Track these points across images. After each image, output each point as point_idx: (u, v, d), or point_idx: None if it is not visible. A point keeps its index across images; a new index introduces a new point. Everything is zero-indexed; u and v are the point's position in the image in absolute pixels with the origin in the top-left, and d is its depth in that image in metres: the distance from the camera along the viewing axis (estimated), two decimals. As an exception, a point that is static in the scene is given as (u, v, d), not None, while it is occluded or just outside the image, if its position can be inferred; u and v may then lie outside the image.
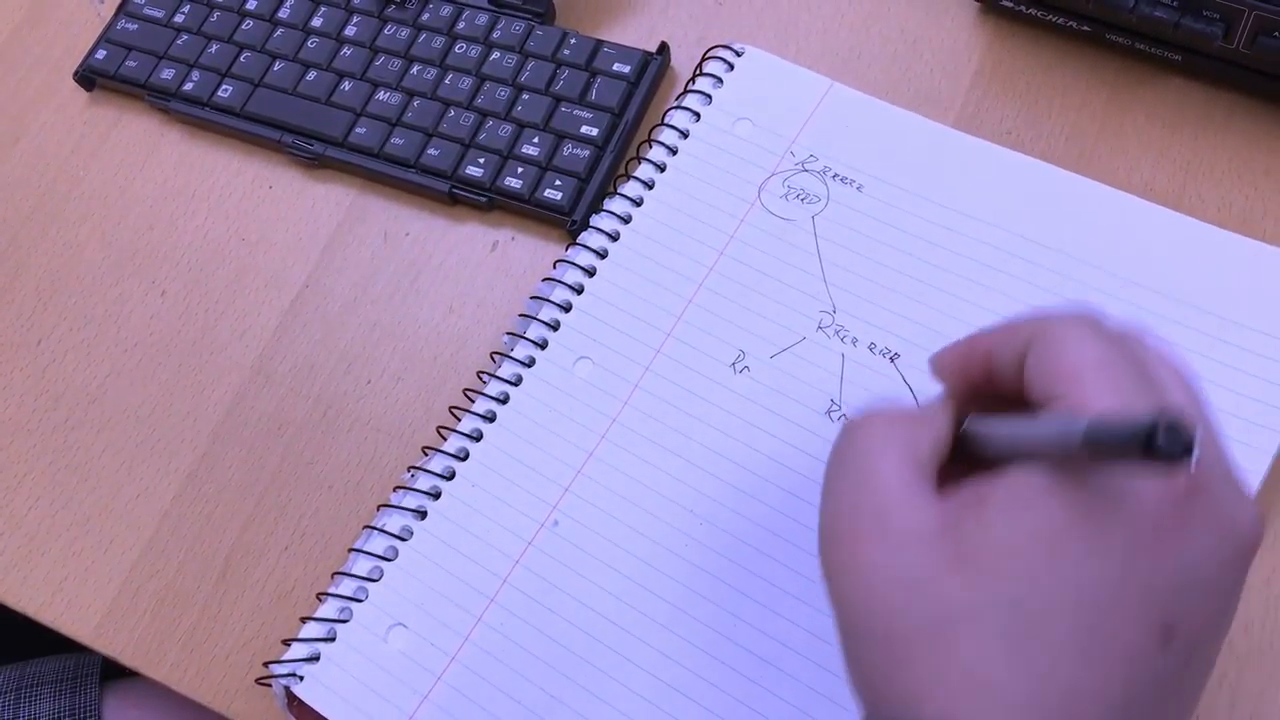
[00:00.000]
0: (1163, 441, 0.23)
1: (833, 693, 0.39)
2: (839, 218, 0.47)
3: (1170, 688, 0.27)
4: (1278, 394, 0.40)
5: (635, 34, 0.54)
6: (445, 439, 0.46)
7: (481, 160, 0.51)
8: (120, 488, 0.49)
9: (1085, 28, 0.47)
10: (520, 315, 0.48)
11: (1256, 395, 0.40)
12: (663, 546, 0.42)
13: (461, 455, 0.45)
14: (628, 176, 0.49)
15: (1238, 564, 0.27)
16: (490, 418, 0.45)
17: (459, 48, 0.53)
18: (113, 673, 0.57)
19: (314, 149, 0.53)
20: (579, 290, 0.47)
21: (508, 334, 0.48)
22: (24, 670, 0.56)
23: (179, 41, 0.57)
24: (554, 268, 0.48)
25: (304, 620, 0.44)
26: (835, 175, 0.48)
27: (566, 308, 0.47)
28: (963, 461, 0.30)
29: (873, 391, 0.43)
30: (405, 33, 0.54)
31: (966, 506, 0.27)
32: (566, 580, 0.42)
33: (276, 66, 0.55)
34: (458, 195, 0.51)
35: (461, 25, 0.54)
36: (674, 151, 0.49)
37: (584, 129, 0.50)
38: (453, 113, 0.52)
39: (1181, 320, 0.42)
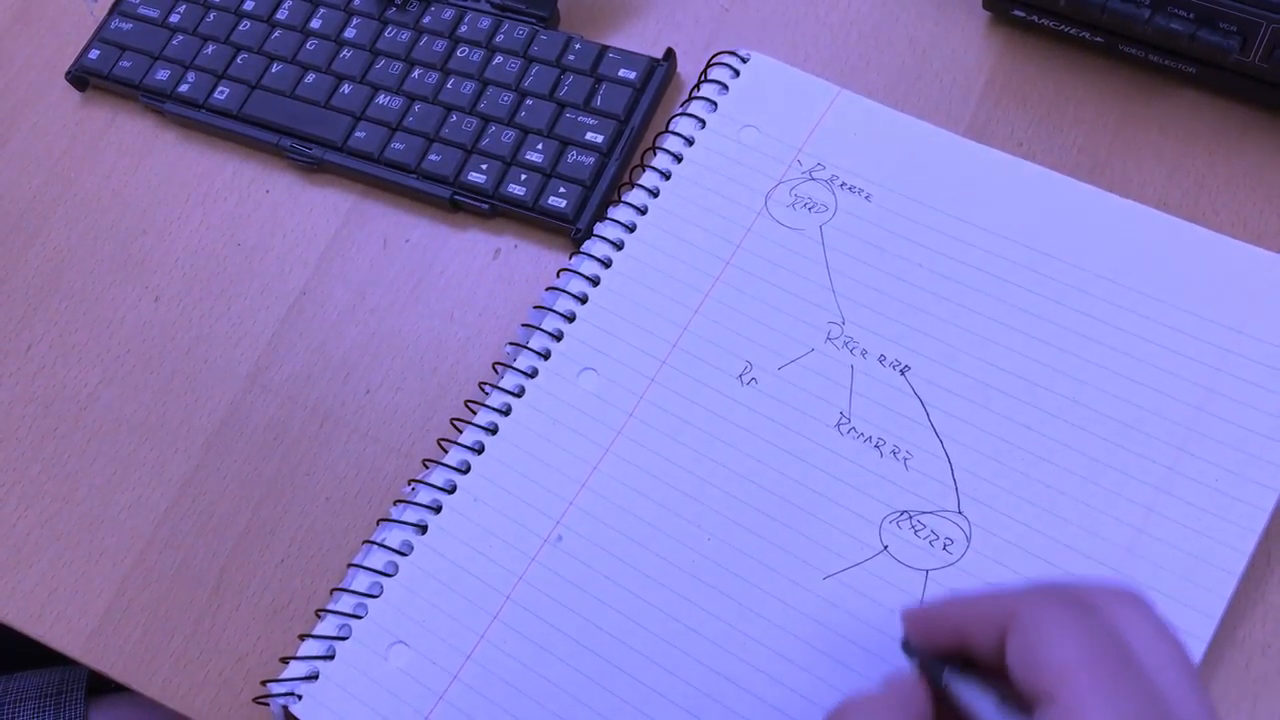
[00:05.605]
0: None
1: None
2: (847, 227, 0.46)
3: None
4: (1292, 410, 0.40)
5: (641, 39, 0.53)
6: (446, 451, 0.45)
7: (484, 166, 0.50)
8: (112, 498, 0.48)
9: (1098, 39, 0.47)
10: (523, 325, 0.47)
11: (1271, 410, 0.40)
12: (669, 562, 0.41)
13: (463, 468, 0.44)
14: (632, 184, 0.49)
15: None
16: (492, 430, 0.45)
17: (461, 51, 0.53)
18: (98, 687, 0.56)
19: (313, 153, 0.52)
20: (583, 300, 0.46)
21: (510, 344, 0.47)
22: (6, 684, 0.55)
23: (174, 42, 0.56)
24: (557, 276, 0.48)
25: (302, 638, 0.43)
26: (843, 184, 0.47)
27: (570, 318, 0.46)
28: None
29: (883, 405, 0.42)
30: (406, 35, 0.54)
31: None
32: (571, 596, 0.41)
33: (274, 68, 0.54)
34: (459, 202, 0.50)
35: (464, 28, 0.53)
36: (679, 159, 0.49)
37: (589, 135, 0.50)
38: (455, 118, 0.51)
39: (1195, 333, 0.41)
